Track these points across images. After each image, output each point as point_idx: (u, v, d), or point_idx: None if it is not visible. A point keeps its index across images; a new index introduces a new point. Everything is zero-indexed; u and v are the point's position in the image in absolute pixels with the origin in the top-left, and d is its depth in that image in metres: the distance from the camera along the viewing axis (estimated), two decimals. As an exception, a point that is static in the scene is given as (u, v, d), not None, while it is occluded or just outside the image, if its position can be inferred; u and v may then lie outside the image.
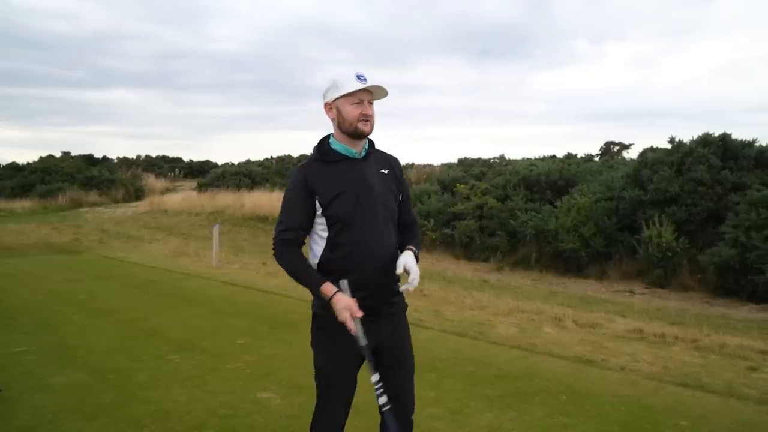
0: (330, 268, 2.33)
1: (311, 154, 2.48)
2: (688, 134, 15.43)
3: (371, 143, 2.48)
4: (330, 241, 2.34)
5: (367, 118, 2.33)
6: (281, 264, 2.36)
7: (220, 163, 53.21)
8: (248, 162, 46.07)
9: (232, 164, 45.28)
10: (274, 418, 3.84)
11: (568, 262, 14.72)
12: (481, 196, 18.84)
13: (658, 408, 4.15)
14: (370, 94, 2.36)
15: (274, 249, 2.37)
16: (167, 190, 34.81)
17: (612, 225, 14.70)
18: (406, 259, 2.35)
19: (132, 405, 4.08)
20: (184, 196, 27.34)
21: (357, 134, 2.34)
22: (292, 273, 2.34)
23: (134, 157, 61.02)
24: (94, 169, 37.57)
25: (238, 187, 29.27)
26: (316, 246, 2.39)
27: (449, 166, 38.37)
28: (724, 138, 15.31)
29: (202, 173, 43.72)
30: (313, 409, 2.47)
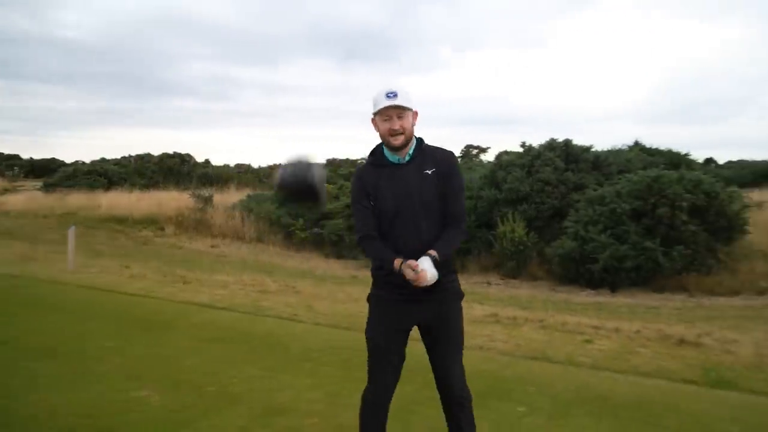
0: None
1: (367, 158, 2.79)
2: (537, 139, 16.97)
3: (420, 143, 2.72)
4: (382, 233, 2.68)
5: (395, 133, 2.59)
6: (371, 257, 2.70)
7: (68, 161, 49.20)
8: (103, 161, 43.04)
9: (84, 163, 42.11)
10: (154, 414, 3.84)
11: (432, 258, 15.56)
12: (350, 196, 19.32)
13: (511, 378, 4.70)
14: (399, 108, 2.58)
15: (361, 248, 2.77)
16: (5, 191, 31.59)
17: (471, 222, 15.78)
18: (424, 265, 2.50)
19: (-7, 412, 3.86)
20: (28, 196, 25.05)
21: (390, 147, 2.64)
22: (377, 258, 2.65)
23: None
24: None
25: (91, 187, 27.36)
26: None
27: (317, 166, 38.56)
28: (567, 143, 17.06)
29: (48, 172, 40.28)
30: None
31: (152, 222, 19.93)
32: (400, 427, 3.67)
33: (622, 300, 10.57)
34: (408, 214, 2.63)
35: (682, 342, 5.88)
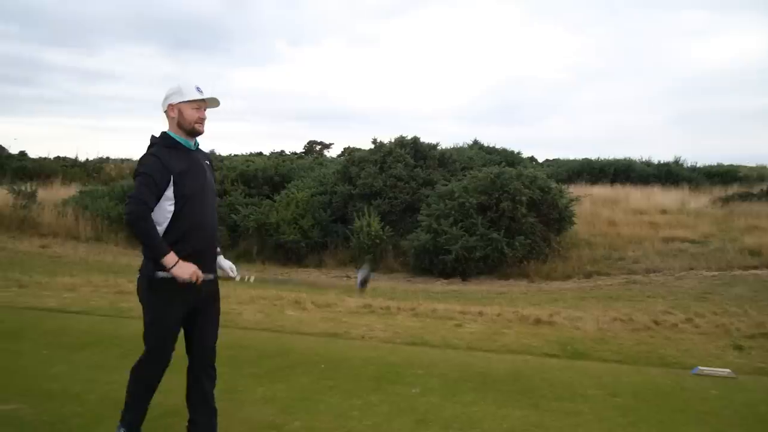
0: (173, 235, 2.85)
1: (156, 142, 2.97)
2: (376, 136, 17.50)
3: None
4: (175, 214, 2.86)
5: (202, 121, 2.99)
6: (138, 231, 2.80)
7: None
8: None
9: None
10: (30, 429, 3.46)
11: (288, 253, 15.49)
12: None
13: (398, 363, 4.91)
14: (205, 102, 3.00)
15: (129, 217, 2.78)
16: None
17: (327, 217, 15.96)
18: (228, 263, 3.22)
19: None
20: None
21: (194, 133, 2.99)
22: (146, 239, 2.80)
23: None
24: None
25: None
26: (162, 218, 2.84)
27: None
28: (415, 141, 17.88)
29: None
30: (136, 361, 3.09)
31: (-37, 220, 17.46)
32: (307, 417, 3.70)
33: (473, 287, 11.40)
34: (204, 195, 2.99)
35: (538, 322, 6.55)
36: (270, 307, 7.16)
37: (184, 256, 2.82)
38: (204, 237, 2.97)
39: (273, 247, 15.76)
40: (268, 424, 3.59)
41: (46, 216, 17.91)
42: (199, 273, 2.82)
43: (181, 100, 2.93)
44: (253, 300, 7.54)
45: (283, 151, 40.79)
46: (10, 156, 38.60)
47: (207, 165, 3.09)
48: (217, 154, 31.23)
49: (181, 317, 2.98)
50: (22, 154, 41.79)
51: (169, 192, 2.82)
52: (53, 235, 16.86)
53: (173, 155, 2.89)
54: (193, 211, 2.90)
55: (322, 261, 15.07)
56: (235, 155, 32.37)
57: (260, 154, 36.38)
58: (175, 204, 2.85)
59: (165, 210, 2.84)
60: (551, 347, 5.58)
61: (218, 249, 3.15)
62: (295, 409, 3.84)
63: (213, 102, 3.03)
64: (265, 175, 19.43)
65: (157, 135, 3.00)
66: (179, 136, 2.96)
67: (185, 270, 2.79)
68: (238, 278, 3.22)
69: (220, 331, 5.63)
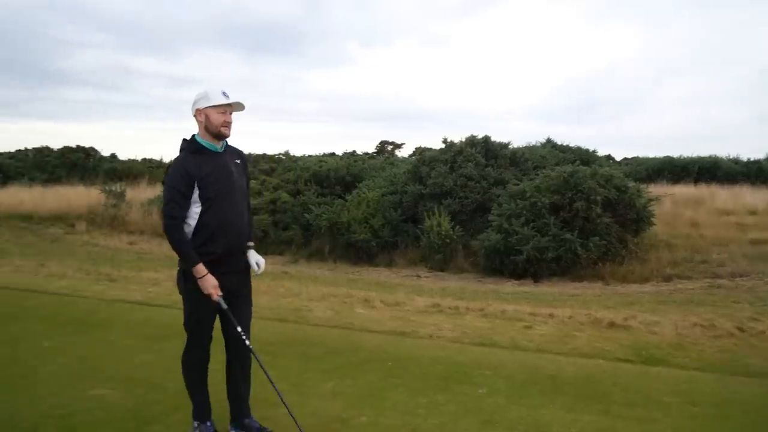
0: (202, 236, 3.06)
1: (183, 147, 3.16)
2: (448, 136, 17.37)
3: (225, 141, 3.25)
4: (201, 215, 3.06)
5: (228, 125, 3.12)
6: (170, 243, 3.08)
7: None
8: (-4, 154, 39.84)
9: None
10: (117, 412, 3.72)
11: (359, 252, 15.68)
12: (273, 191, 19.06)
13: (466, 363, 4.90)
14: (231, 107, 3.13)
15: (165, 226, 3.04)
16: None
17: (397, 217, 16.04)
18: (256, 257, 3.30)
19: (-65, 420, 3.59)
20: None
21: (220, 136, 3.13)
22: (178, 247, 3.05)
23: None
24: None
25: (-15, 182, 25.38)
26: (191, 219, 3.08)
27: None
28: (486, 140, 17.66)
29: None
30: (181, 352, 3.37)
31: (60, 218, 18.76)
32: (373, 413, 3.77)
33: (545, 289, 11.16)
34: (232, 197, 3.13)
35: (612, 325, 6.34)
36: (340, 305, 7.30)
37: (213, 259, 3.06)
38: (232, 237, 3.13)
39: (344, 246, 15.99)
40: (334, 418, 3.69)
41: (134, 214, 18.99)
42: (218, 291, 3.07)
43: (208, 105, 3.07)
44: (324, 297, 7.71)
45: (354, 152, 41.32)
46: (102, 158, 41.06)
47: (237, 164, 3.23)
48: (291, 155, 32.05)
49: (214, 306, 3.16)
50: (113, 156, 44.38)
51: (195, 195, 3.02)
52: (140, 232, 17.84)
53: (198, 160, 3.07)
54: (219, 211, 3.07)
55: (393, 260, 15.15)
56: (309, 156, 33.06)
57: (333, 154, 37.03)
58: (202, 206, 3.04)
59: (192, 212, 3.06)
60: (625, 352, 5.40)
61: (250, 243, 3.29)
62: (361, 405, 3.92)
63: (238, 106, 3.17)
64: (337, 175, 19.76)
65: (188, 138, 3.16)
66: (205, 140, 3.12)
67: (207, 284, 3.04)
68: (259, 272, 3.34)
69: (292, 327, 5.86)
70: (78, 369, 4.58)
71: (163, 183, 3.16)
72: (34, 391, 4.09)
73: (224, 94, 3.10)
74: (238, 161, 3.27)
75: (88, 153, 39.78)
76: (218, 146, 3.16)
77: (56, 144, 44.90)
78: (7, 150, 43.07)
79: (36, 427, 3.47)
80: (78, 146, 39.86)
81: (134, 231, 17.90)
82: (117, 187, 21.69)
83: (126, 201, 20.53)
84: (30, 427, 3.48)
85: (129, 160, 42.64)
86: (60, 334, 5.65)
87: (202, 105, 3.09)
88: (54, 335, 5.62)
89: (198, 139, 3.14)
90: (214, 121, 3.07)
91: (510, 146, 18.35)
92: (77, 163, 36.88)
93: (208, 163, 3.08)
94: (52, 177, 31.90)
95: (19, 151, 43.04)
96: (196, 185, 3.02)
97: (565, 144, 22.43)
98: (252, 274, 3.36)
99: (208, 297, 3.09)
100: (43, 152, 40.94)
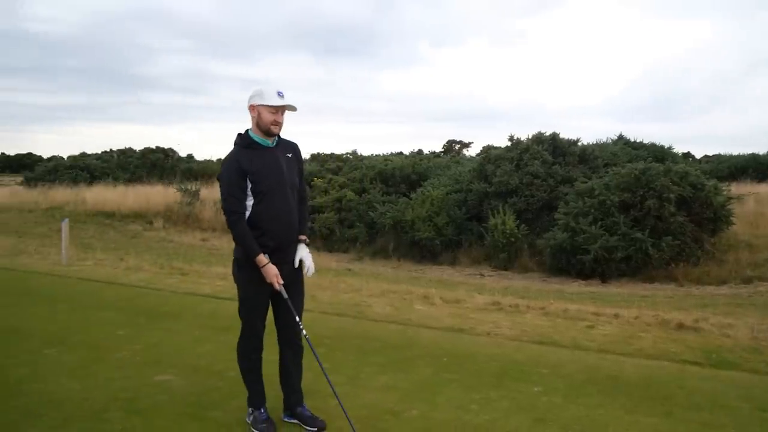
0: (256, 230, 3.16)
1: (236, 142, 3.28)
2: (518, 133, 17.11)
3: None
4: (254, 209, 3.17)
5: (278, 124, 3.20)
6: (233, 236, 3.21)
7: (45, 156, 48.38)
8: (84, 155, 42.43)
9: (62, 158, 41.47)
10: (180, 396, 3.90)
11: (423, 250, 15.70)
12: (339, 190, 19.36)
13: (522, 361, 4.82)
14: (283, 107, 3.20)
15: (228, 221, 3.18)
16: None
17: (462, 215, 15.94)
18: (302, 254, 3.35)
19: (19, 398, 3.89)
20: (11, 191, 24.67)
21: (269, 133, 3.22)
22: (241, 240, 3.18)
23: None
24: None
25: (74, 181, 27.05)
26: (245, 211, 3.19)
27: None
28: (554, 137, 17.27)
29: (24, 167, 39.60)
30: (237, 340, 3.47)
31: (140, 216, 19.79)
32: (426, 408, 3.78)
33: (613, 290, 10.80)
34: (283, 191, 3.21)
35: (681, 327, 6.06)
36: (399, 301, 7.33)
37: (268, 252, 3.15)
38: (282, 231, 3.22)
39: (408, 244, 16.06)
40: (387, 411, 3.72)
41: (207, 212, 19.77)
42: (279, 280, 3.17)
43: (261, 103, 3.15)
44: (384, 294, 7.77)
45: (420, 151, 41.32)
46: (180, 158, 42.98)
47: (289, 159, 3.30)
48: (359, 154, 32.37)
49: (267, 295, 3.27)
50: (190, 156, 46.34)
51: (248, 189, 3.13)
52: (212, 229, 18.57)
53: (250, 154, 3.17)
54: (270, 206, 3.17)
55: (456, 259, 15.08)
56: (376, 155, 33.31)
57: (400, 153, 37.21)
58: (254, 199, 3.15)
59: (246, 205, 3.17)
60: (693, 354, 5.15)
61: (304, 238, 3.37)
62: (414, 399, 3.94)
63: (290, 108, 3.24)
64: (403, 174, 19.85)
65: (242, 133, 3.26)
66: (257, 136, 3.21)
67: (269, 273, 3.14)
68: (309, 274, 3.39)
69: (350, 321, 5.95)
70: (146, 356, 4.84)
71: (218, 179, 3.27)
72: (105, 374, 4.35)
73: (279, 94, 3.16)
74: (290, 155, 3.33)
75: (167, 154, 41.72)
76: (270, 141, 3.24)
77: (138, 145, 47.38)
78: (94, 151, 45.80)
79: (105, 408, 3.69)
80: (158, 147, 41.90)
81: (207, 228, 18.64)
82: (192, 186, 22.67)
83: (200, 200, 21.42)
84: (100, 407, 3.71)
85: (205, 160, 44.45)
86: (133, 324, 5.97)
87: (256, 102, 3.17)
88: (127, 324, 5.95)
89: (250, 134, 3.24)
90: (265, 119, 3.16)
91: (579, 143, 17.88)
92: (157, 164, 38.78)
93: (259, 158, 3.17)
94: (134, 176, 33.69)
95: (104, 152, 45.72)
96: (248, 179, 3.12)
97: (638, 140, 21.61)
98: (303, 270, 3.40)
99: (262, 285, 3.18)
100: (126, 153, 43.31)
